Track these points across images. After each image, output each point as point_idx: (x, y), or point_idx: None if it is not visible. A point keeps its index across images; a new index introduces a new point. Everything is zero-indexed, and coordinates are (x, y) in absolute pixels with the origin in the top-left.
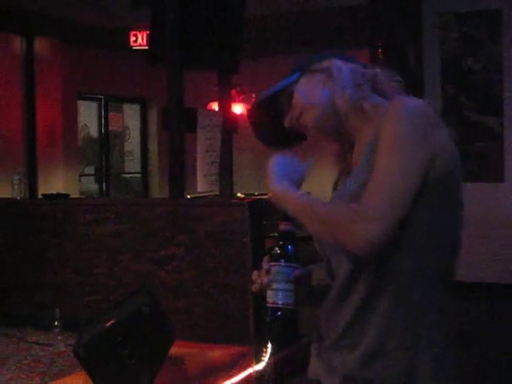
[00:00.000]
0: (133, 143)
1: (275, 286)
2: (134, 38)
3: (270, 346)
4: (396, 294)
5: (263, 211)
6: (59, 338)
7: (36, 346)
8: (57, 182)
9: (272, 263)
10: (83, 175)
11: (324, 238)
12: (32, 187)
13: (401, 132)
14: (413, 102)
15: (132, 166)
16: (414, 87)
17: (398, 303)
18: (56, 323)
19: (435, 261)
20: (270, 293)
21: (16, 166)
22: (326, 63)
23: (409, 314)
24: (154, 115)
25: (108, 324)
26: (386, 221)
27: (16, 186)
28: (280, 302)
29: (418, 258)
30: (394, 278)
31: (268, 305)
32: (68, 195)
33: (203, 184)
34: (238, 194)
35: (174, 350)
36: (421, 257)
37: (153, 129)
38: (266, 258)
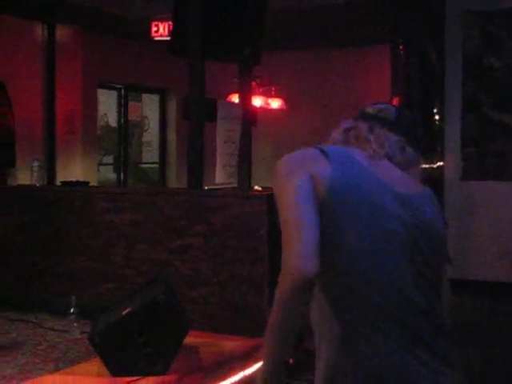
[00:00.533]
0: (151, 133)
1: None
2: (155, 29)
3: None
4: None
5: None
6: (75, 324)
7: (52, 333)
8: (75, 170)
9: None
10: (101, 164)
11: (298, 310)
12: (50, 174)
13: (274, 187)
14: (283, 157)
15: (150, 156)
16: (435, 84)
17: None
18: (72, 310)
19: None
20: None
21: (35, 153)
22: None
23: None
24: (173, 105)
25: (124, 312)
26: (301, 261)
27: (35, 173)
28: None
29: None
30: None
31: None
32: (87, 183)
33: (222, 175)
34: (256, 187)
35: (189, 340)
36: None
37: (172, 119)
38: None
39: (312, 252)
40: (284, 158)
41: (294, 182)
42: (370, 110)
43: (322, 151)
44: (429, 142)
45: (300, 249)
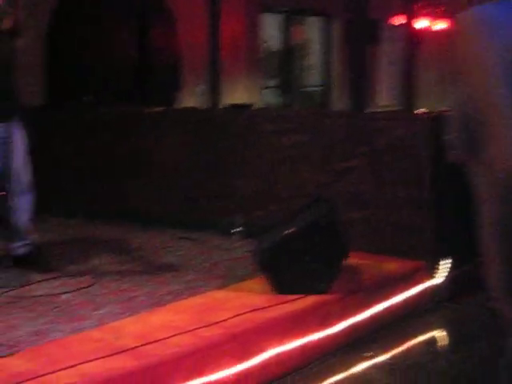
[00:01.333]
0: (315, 56)
1: None
2: None
3: (448, 260)
4: None
5: (445, 126)
6: (240, 243)
7: (216, 251)
8: (240, 94)
9: None
10: (266, 88)
11: None
12: (215, 98)
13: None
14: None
15: (313, 79)
16: None
17: None
18: (236, 229)
19: None
20: None
21: (200, 77)
22: None
23: None
24: (336, 28)
25: (287, 232)
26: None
27: (200, 96)
28: None
29: None
30: None
31: None
32: (251, 106)
33: (385, 97)
34: (421, 110)
35: (351, 260)
36: None
37: (335, 42)
38: None
39: None
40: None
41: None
42: None
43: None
44: None
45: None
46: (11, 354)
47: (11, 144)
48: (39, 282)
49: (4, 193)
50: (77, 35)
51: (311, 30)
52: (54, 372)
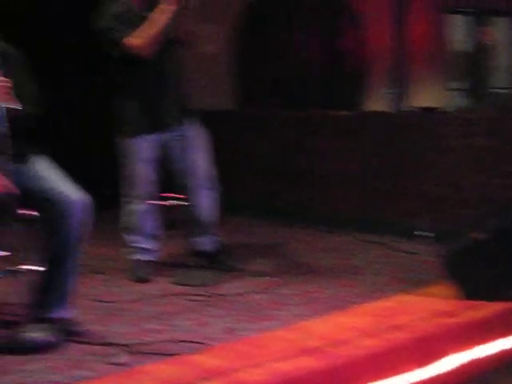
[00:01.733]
0: (503, 58)
1: None
2: None
3: None
4: None
5: None
6: (424, 247)
7: (400, 254)
8: (425, 96)
9: None
10: (451, 90)
11: None
12: (401, 101)
13: None
14: None
15: (502, 81)
16: None
17: None
18: (425, 233)
19: None
20: None
21: (386, 80)
22: None
23: None
24: None
25: (477, 237)
26: None
27: (388, 100)
28: None
29: None
30: None
31: None
32: (439, 108)
33: None
34: None
35: None
36: None
37: None
38: None
39: None
40: None
41: None
42: None
43: None
44: None
45: None
46: (204, 351)
47: (188, 143)
48: (226, 280)
49: (182, 196)
50: (263, 39)
51: (499, 31)
52: (244, 369)
